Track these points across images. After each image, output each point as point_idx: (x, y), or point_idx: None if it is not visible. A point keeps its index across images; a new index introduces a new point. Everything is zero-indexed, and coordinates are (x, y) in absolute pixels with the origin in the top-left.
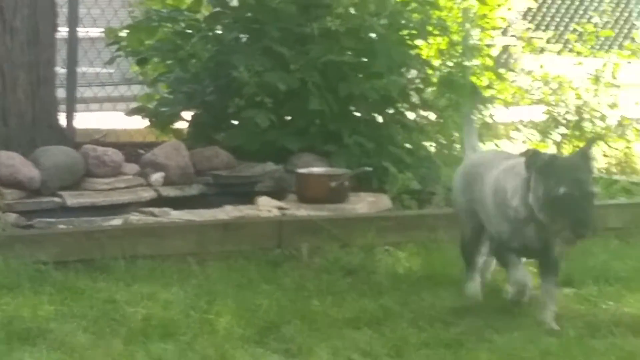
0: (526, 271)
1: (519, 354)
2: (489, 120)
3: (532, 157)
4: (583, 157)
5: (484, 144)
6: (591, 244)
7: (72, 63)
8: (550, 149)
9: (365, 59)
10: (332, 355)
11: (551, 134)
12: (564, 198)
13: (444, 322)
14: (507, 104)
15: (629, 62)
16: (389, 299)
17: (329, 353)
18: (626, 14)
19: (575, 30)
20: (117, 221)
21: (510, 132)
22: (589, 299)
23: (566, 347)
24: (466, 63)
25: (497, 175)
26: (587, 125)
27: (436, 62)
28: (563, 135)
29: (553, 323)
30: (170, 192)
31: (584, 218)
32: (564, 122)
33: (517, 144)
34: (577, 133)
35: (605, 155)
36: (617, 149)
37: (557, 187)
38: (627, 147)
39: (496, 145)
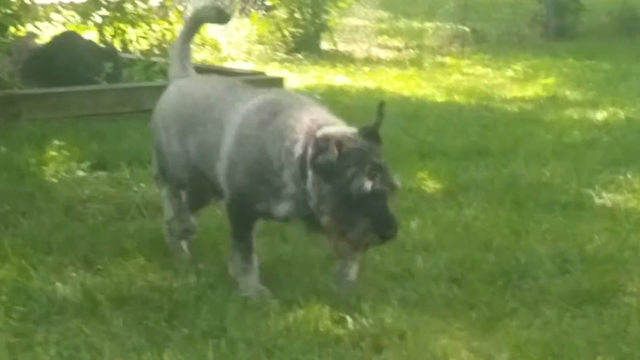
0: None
1: (44, 239)
2: (27, 1)
3: (318, 143)
4: (372, 136)
5: (23, 26)
6: (125, 126)
7: None
8: (91, 32)
9: None
10: None
11: (93, 16)
12: (371, 196)
13: None
14: None
15: None
16: None
17: None
18: None
19: None
20: None
21: (50, 14)
22: (122, 182)
23: (94, 231)
24: None
25: (242, 129)
26: (128, 7)
27: None
28: (104, 17)
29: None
30: None
31: (391, 216)
32: (105, 3)
33: (58, 27)
34: (118, 15)
35: (144, 37)
36: (157, 31)
37: (358, 181)
38: (168, 29)
39: (36, 27)
